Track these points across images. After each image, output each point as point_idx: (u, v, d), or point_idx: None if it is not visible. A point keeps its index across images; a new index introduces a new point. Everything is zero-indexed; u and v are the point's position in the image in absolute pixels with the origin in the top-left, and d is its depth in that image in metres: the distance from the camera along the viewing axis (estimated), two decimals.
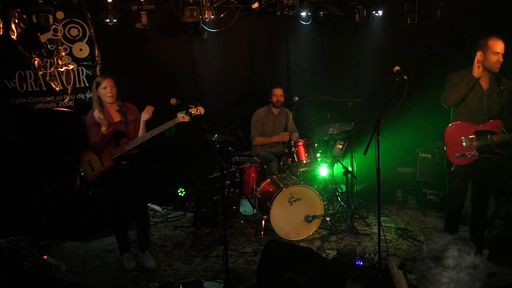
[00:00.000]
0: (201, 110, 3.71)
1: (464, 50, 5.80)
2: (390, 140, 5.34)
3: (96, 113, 3.78)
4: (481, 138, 3.52)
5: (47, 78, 4.95)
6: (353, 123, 5.05)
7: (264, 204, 4.57)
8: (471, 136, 3.53)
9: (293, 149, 4.85)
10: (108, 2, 4.89)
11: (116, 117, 3.90)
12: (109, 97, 3.80)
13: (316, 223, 4.56)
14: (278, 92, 5.44)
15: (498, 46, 3.44)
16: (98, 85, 3.79)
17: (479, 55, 3.51)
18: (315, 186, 4.92)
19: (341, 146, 5.38)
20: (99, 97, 3.82)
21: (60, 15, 4.91)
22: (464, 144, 3.53)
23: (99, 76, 3.80)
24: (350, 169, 5.02)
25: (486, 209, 3.82)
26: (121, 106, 3.91)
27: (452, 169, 3.62)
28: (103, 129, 3.78)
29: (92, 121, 3.84)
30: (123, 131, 3.86)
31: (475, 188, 3.78)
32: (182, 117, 3.67)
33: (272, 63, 6.22)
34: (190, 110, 3.65)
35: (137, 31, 5.26)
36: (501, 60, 3.47)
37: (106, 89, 3.77)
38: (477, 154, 3.52)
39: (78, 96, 5.11)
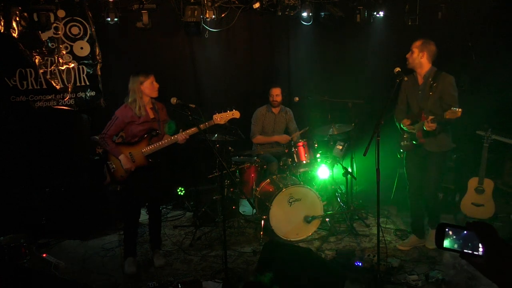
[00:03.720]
0: (236, 115, 3.93)
1: (465, 52, 5.81)
2: (390, 141, 5.34)
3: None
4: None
5: (48, 76, 4.95)
6: (353, 124, 5.05)
7: (263, 204, 4.57)
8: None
9: (293, 150, 4.85)
10: (109, 1, 4.90)
11: (151, 115, 3.92)
12: (156, 91, 3.89)
13: (316, 223, 4.56)
14: (274, 92, 5.41)
15: (415, 42, 3.96)
16: (142, 82, 3.81)
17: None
18: (315, 187, 4.92)
19: (341, 147, 5.37)
20: (139, 94, 3.82)
21: (61, 13, 4.92)
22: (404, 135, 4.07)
23: (141, 73, 3.82)
24: (350, 170, 5.02)
25: (427, 198, 4.12)
26: (154, 104, 3.96)
27: (400, 156, 4.23)
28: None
29: (125, 119, 3.82)
30: (156, 129, 3.92)
31: None
32: (217, 119, 3.84)
33: (273, 63, 6.22)
34: (226, 113, 3.90)
35: (138, 30, 5.26)
36: (408, 57, 3.96)
37: (153, 84, 3.86)
38: (405, 142, 4.05)
39: (79, 95, 5.11)
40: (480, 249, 1.06)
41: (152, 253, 4.14)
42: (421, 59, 3.91)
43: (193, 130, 3.83)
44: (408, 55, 3.98)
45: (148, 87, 3.84)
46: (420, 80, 3.98)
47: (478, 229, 1.07)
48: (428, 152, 3.98)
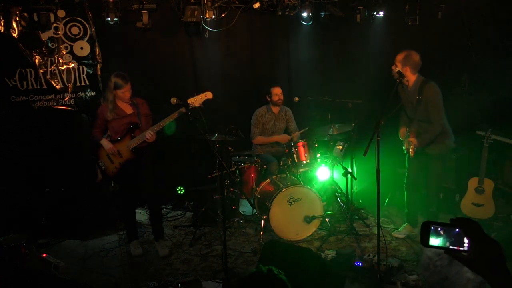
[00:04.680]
0: (208, 95, 4.04)
1: (465, 52, 5.82)
2: (390, 141, 5.35)
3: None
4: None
5: (48, 76, 4.95)
6: (353, 124, 5.05)
7: (263, 204, 4.57)
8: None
9: (293, 150, 4.84)
10: (109, 1, 4.89)
11: (129, 110, 4.12)
12: (127, 99, 4.09)
13: (316, 223, 4.56)
14: (278, 91, 5.41)
15: (398, 54, 4.05)
16: (118, 87, 3.98)
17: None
18: (315, 187, 4.92)
19: (341, 147, 5.37)
20: (114, 96, 4.03)
21: (61, 13, 4.91)
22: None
23: (119, 78, 3.97)
24: (349, 170, 5.02)
25: (428, 198, 4.35)
26: (132, 99, 4.13)
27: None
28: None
29: (105, 116, 4.06)
30: (137, 122, 4.08)
31: None
32: (192, 102, 3.94)
33: (273, 63, 6.22)
34: (199, 95, 3.99)
35: (138, 30, 5.25)
36: (393, 69, 4.04)
37: (125, 94, 4.03)
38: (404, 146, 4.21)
39: (79, 95, 5.11)
40: (466, 245, 1.07)
41: (156, 244, 4.29)
42: (405, 73, 4.00)
43: (160, 124, 3.97)
44: (393, 67, 4.06)
45: (120, 94, 4.02)
46: (409, 93, 4.12)
47: (463, 225, 1.08)
48: (427, 154, 4.10)
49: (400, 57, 4.02)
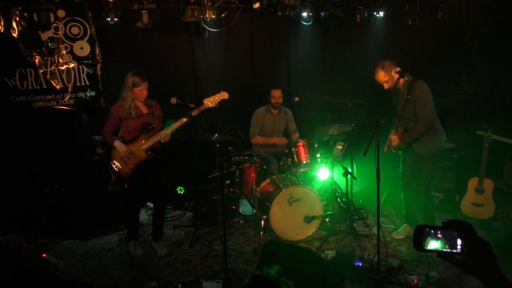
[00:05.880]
0: (224, 96, 4.02)
1: (465, 52, 5.81)
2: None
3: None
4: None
5: (48, 76, 4.94)
6: (353, 124, 5.05)
7: (263, 204, 4.57)
8: None
9: (293, 150, 4.84)
10: (109, 1, 4.89)
11: (144, 109, 4.10)
12: (143, 98, 4.05)
13: (316, 223, 4.56)
14: (276, 94, 5.38)
15: (375, 76, 4.13)
16: (136, 85, 3.96)
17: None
18: (315, 187, 4.92)
19: (341, 147, 5.37)
20: (131, 93, 4.01)
21: (61, 13, 4.91)
22: None
23: (137, 76, 3.96)
24: (349, 170, 5.02)
25: (421, 196, 4.29)
26: (146, 99, 4.11)
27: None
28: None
29: (120, 115, 4.00)
30: (152, 123, 4.06)
31: None
32: (208, 103, 3.93)
33: (273, 63, 6.22)
34: (215, 96, 3.99)
35: (138, 30, 5.26)
36: (387, 87, 4.10)
37: (142, 92, 3.99)
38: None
39: (79, 95, 5.11)
40: (459, 246, 1.07)
41: (155, 244, 4.30)
42: (395, 75, 3.98)
43: (174, 125, 3.94)
44: (386, 87, 4.08)
45: (137, 92, 3.99)
46: (399, 93, 4.15)
47: (456, 227, 1.08)
48: (417, 153, 4.13)
49: (380, 74, 4.05)
